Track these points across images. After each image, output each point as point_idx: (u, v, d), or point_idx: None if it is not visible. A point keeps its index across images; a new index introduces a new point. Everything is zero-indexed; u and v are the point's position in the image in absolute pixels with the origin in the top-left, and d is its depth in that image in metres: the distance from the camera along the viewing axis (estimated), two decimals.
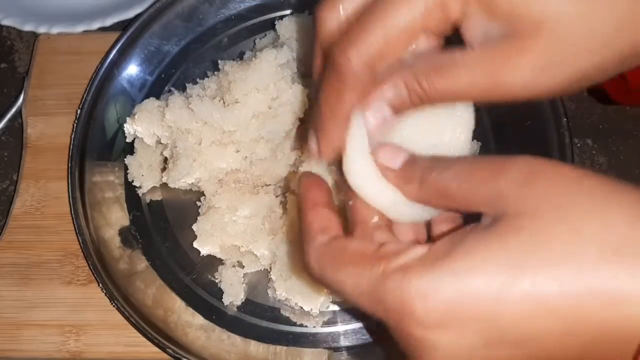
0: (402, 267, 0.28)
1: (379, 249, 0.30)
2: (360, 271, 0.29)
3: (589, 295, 0.25)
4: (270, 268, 0.52)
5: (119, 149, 0.58)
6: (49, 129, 0.60)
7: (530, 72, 0.30)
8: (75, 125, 0.57)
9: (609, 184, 0.27)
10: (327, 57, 0.34)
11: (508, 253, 0.25)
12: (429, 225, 0.36)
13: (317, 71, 0.37)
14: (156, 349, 0.50)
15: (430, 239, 0.35)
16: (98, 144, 0.58)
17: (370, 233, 0.33)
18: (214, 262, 0.54)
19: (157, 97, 0.57)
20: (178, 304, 0.53)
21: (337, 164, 0.36)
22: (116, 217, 0.56)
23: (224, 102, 0.53)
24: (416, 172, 0.32)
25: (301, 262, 0.50)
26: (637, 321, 0.25)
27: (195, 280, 0.54)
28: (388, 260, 0.28)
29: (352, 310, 0.52)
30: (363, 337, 0.52)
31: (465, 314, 0.26)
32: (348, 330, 0.52)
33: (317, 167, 0.43)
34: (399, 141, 0.35)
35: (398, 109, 0.33)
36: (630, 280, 0.24)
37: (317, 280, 0.32)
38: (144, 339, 0.50)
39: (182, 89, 0.58)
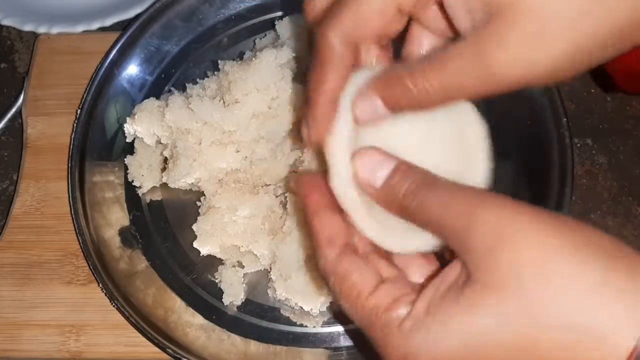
0: (385, 325, 0.31)
1: (373, 292, 0.32)
2: (354, 309, 0.32)
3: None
4: (270, 268, 0.52)
5: (119, 149, 0.58)
6: (49, 129, 0.60)
7: (517, 51, 0.29)
8: (75, 125, 0.57)
9: (577, 253, 0.27)
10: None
11: (471, 328, 0.28)
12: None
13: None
14: (156, 349, 0.50)
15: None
16: (98, 144, 0.58)
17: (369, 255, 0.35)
18: (214, 262, 0.54)
19: (157, 97, 0.57)
20: (178, 303, 0.53)
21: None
22: (116, 217, 0.56)
23: (224, 102, 0.53)
24: (397, 195, 0.32)
25: (299, 262, 0.51)
26: None
27: (195, 280, 0.54)
28: (377, 313, 0.31)
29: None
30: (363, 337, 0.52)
31: None
32: (348, 330, 0.52)
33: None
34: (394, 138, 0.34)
35: (392, 106, 0.33)
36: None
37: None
38: (144, 339, 0.50)
39: (182, 89, 0.58)
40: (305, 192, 0.35)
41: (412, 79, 0.31)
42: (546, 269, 0.27)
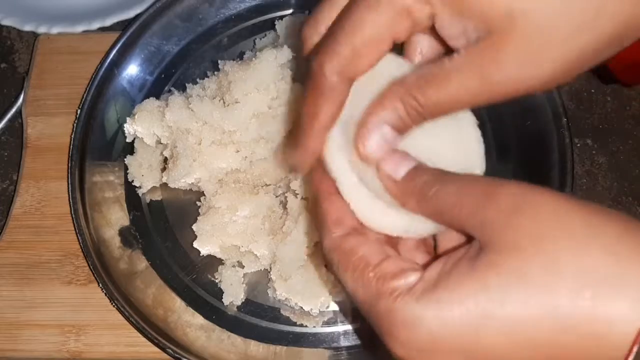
0: (392, 291, 0.30)
1: (380, 263, 0.31)
2: (360, 281, 0.31)
3: (563, 326, 0.26)
4: (270, 268, 0.52)
5: (119, 149, 0.58)
6: (49, 129, 0.60)
7: (514, 66, 0.29)
8: (75, 125, 0.57)
9: (594, 216, 0.27)
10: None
11: (488, 291, 0.27)
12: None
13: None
14: (156, 349, 0.50)
15: (436, 252, 0.36)
16: (98, 144, 0.58)
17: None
18: (214, 262, 0.54)
19: (157, 97, 0.57)
20: (178, 303, 0.53)
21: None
22: (116, 217, 0.56)
23: (224, 102, 0.53)
24: (416, 186, 0.32)
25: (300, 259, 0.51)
26: (610, 350, 0.26)
27: (195, 280, 0.54)
28: (384, 281, 0.30)
29: (351, 312, 0.52)
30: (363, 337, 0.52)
31: (447, 345, 0.28)
32: (348, 330, 0.52)
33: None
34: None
35: (400, 129, 0.33)
36: (603, 311, 0.25)
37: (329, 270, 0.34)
38: (144, 339, 0.50)
39: (182, 89, 0.58)
40: (319, 176, 0.36)
41: (413, 97, 0.32)
42: (569, 227, 0.27)
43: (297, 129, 0.36)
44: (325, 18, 0.34)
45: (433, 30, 0.33)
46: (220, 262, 0.54)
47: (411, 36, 0.34)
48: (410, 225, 0.33)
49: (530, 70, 0.30)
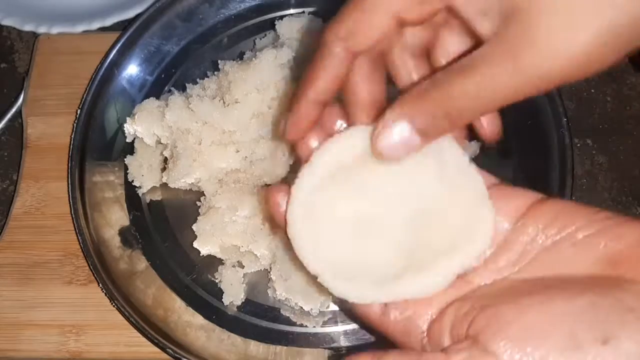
0: None
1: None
2: None
3: None
4: (270, 268, 0.52)
5: (119, 149, 0.58)
6: (49, 129, 0.60)
7: (547, 41, 0.27)
8: (75, 125, 0.57)
9: None
10: None
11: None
12: None
13: None
14: (156, 349, 0.50)
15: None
16: (98, 144, 0.58)
17: None
18: (214, 262, 0.54)
19: (157, 97, 0.57)
20: (178, 304, 0.53)
21: None
22: (116, 217, 0.56)
23: (224, 102, 0.53)
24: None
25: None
26: None
27: (195, 280, 0.54)
28: None
29: (351, 312, 0.52)
30: (363, 337, 0.52)
31: None
32: (348, 330, 0.52)
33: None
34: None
35: (423, 131, 0.31)
36: None
37: None
38: (144, 339, 0.50)
39: (182, 89, 0.58)
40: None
41: (443, 96, 0.30)
42: None
43: (292, 97, 0.35)
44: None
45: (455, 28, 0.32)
46: (220, 262, 0.54)
47: (435, 34, 0.33)
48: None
49: (564, 44, 0.27)
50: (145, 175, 0.56)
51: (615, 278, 0.27)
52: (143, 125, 0.55)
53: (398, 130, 0.30)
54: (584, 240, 0.29)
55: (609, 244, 0.28)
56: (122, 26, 0.62)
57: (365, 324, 0.49)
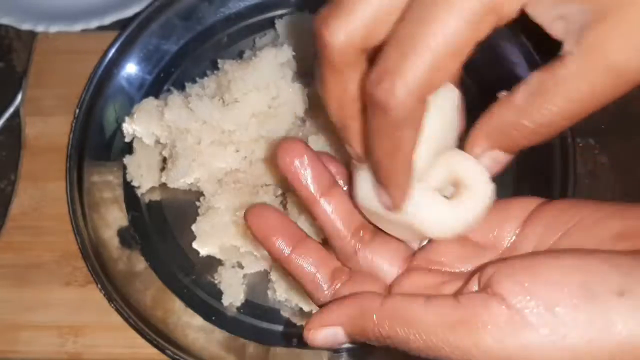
0: None
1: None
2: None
3: None
4: (270, 269, 0.52)
5: (117, 148, 0.58)
6: (47, 128, 0.60)
7: (634, 42, 0.26)
8: (73, 125, 0.56)
9: None
10: (365, 95, 0.28)
11: None
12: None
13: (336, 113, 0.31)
14: (155, 350, 0.50)
15: None
16: (96, 144, 0.57)
17: None
18: (213, 262, 0.54)
19: (156, 97, 0.57)
20: (177, 304, 0.53)
21: None
22: (115, 218, 0.56)
23: (223, 102, 0.53)
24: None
25: None
26: None
27: (194, 281, 0.54)
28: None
29: None
30: None
31: None
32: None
33: None
34: None
35: (509, 149, 0.31)
36: None
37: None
38: (143, 340, 0.50)
39: (181, 88, 0.57)
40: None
41: (527, 118, 0.29)
42: None
43: (375, 171, 0.31)
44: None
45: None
46: (219, 262, 0.54)
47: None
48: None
49: None
50: (144, 175, 0.56)
51: (630, 251, 0.27)
52: (142, 125, 0.55)
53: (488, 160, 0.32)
54: (593, 224, 0.29)
55: (620, 223, 0.28)
56: (121, 25, 0.62)
57: None
